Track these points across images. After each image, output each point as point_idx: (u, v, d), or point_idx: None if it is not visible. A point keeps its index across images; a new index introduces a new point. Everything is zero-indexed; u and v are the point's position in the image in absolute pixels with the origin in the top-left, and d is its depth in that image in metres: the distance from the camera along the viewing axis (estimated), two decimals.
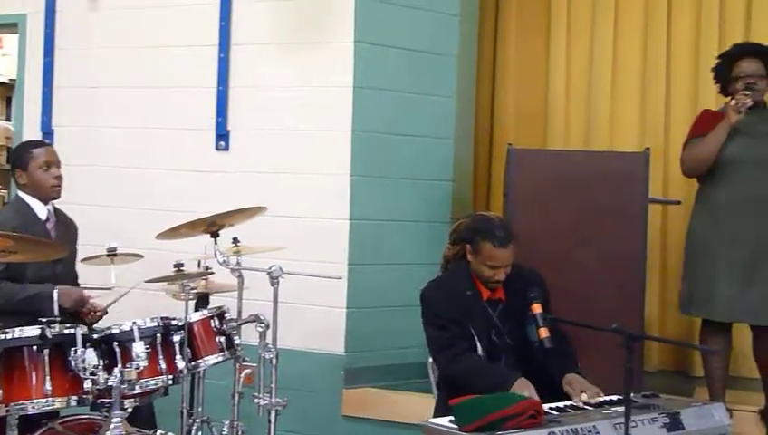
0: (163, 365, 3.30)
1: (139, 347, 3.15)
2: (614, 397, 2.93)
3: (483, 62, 5.54)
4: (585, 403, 2.90)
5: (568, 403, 2.91)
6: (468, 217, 3.48)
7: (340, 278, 4.00)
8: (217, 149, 4.71)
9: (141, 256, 3.79)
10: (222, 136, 4.68)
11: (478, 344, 3.20)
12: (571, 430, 2.53)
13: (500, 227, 3.21)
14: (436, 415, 3.10)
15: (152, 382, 3.28)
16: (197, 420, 3.79)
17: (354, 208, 4.48)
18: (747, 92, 3.83)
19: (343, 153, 4.48)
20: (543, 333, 3.04)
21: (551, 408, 2.79)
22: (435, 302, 3.25)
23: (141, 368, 3.14)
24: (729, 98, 3.97)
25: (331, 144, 4.50)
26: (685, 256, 4.10)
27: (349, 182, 4.47)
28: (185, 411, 3.79)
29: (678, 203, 4.80)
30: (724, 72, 4.02)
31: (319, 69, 4.54)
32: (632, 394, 2.59)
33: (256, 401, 3.59)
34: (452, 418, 2.64)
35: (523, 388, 2.97)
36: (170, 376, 3.32)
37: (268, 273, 3.56)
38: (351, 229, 4.47)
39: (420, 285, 3.37)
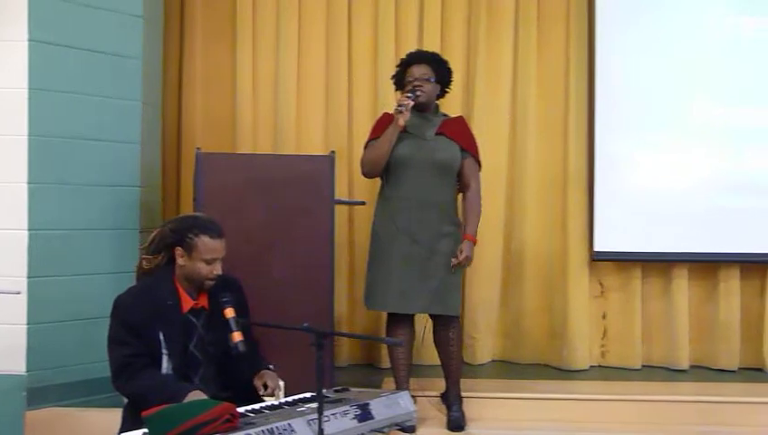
0: None
1: None
2: (308, 394, 3.01)
3: (169, 66, 5.44)
4: (280, 402, 2.96)
5: (264, 404, 2.94)
6: (167, 222, 3.38)
7: (18, 293, 3.74)
8: None
9: None
10: None
11: (165, 358, 3.12)
12: (267, 430, 2.55)
13: (210, 221, 3.22)
14: (122, 429, 3.00)
15: None
16: None
17: (33, 218, 4.19)
18: (409, 94, 4.09)
19: (19, 159, 4.17)
20: (237, 337, 3.06)
21: (246, 410, 2.80)
22: (128, 309, 3.11)
23: None
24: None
25: (5, 150, 4.18)
26: (368, 253, 4.30)
27: (26, 190, 4.18)
28: None
29: (363, 204, 5.02)
30: (401, 77, 4.29)
31: None
32: (324, 390, 2.67)
33: None
34: (145, 430, 2.56)
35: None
36: None
37: None
38: (30, 240, 4.18)
39: (108, 295, 3.23)
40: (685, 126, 5.36)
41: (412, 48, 5.26)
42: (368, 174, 4.23)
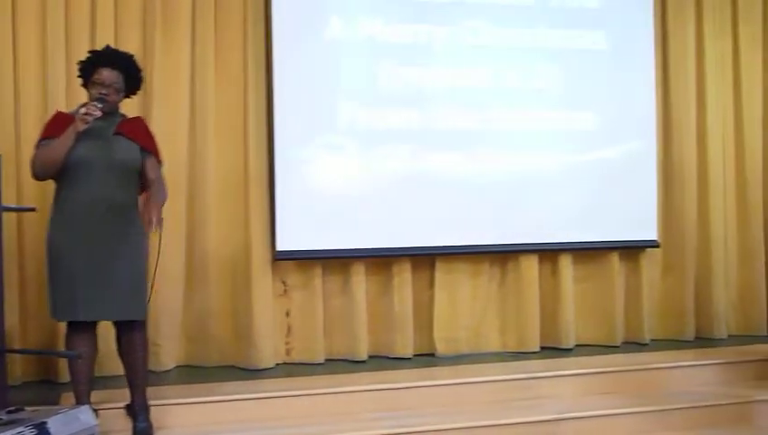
0: None
1: None
2: None
3: None
4: None
5: None
6: None
7: None
8: None
9: None
10: None
11: None
12: None
13: None
14: None
15: None
16: None
17: None
18: (99, 104, 3.94)
19: None
20: None
21: None
22: None
23: None
24: (80, 106, 4.04)
25: None
26: (46, 262, 4.03)
27: None
28: None
29: (33, 210, 4.73)
30: (88, 71, 4.09)
31: None
32: None
33: None
34: None
35: None
36: None
37: None
38: None
39: None
40: (361, 128, 5.65)
41: (84, 48, 5.06)
42: (39, 176, 3.98)
